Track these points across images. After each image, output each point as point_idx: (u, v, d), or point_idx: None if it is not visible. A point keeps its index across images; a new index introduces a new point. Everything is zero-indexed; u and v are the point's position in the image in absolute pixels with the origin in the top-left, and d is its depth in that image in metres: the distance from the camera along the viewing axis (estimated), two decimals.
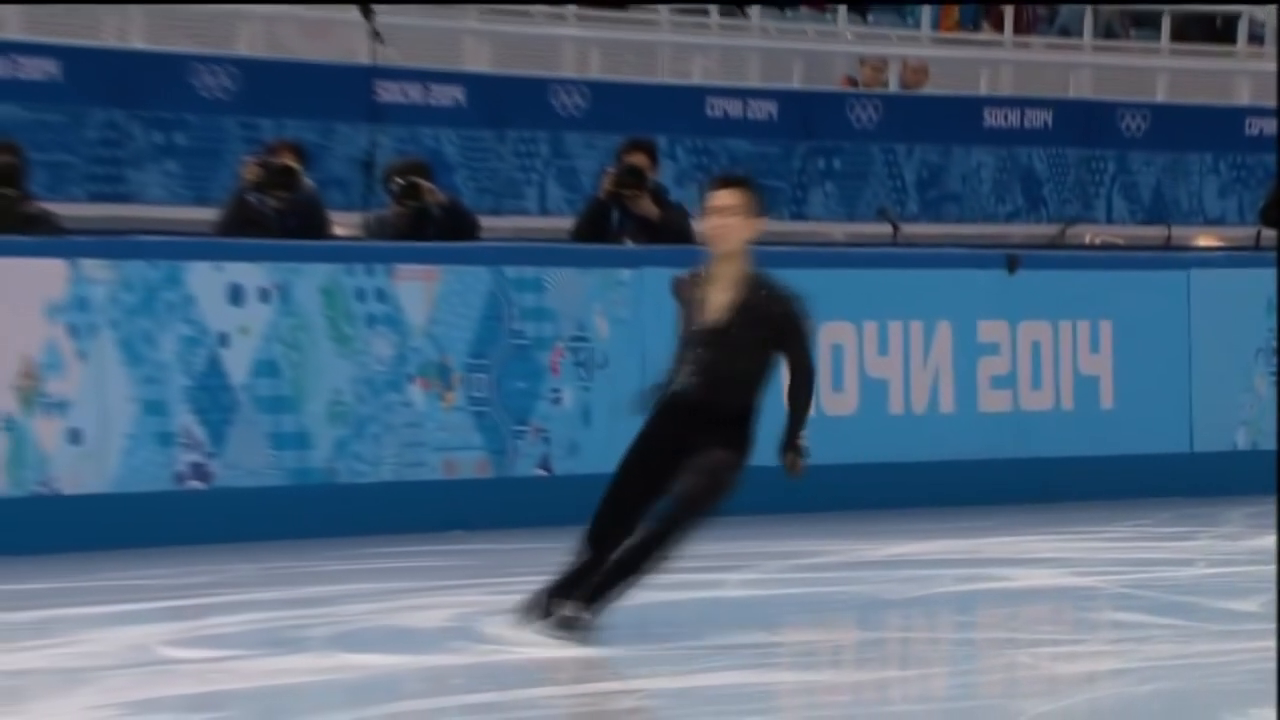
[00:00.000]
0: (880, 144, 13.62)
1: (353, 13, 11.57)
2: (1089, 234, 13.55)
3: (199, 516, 9.36)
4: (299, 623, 7.81)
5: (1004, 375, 11.04)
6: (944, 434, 10.87)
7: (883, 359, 10.78)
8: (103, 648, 7.21)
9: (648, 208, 11.24)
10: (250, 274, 9.51)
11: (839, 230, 13.26)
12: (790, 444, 7.19)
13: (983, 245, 12.59)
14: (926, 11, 14.81)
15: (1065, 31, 15.16)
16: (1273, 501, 10.93)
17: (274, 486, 9.52)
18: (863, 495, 10.52)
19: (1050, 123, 14.05)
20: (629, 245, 11.09)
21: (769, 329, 7.09)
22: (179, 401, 9.34)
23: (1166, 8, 15.20)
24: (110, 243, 9.70)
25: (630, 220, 11.25)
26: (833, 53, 14.15)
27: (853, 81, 14.11)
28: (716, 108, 13.15)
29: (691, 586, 8.52)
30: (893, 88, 14.15)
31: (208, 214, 11.03)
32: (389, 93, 11.86)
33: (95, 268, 9.25)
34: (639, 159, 11.50)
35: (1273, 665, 6.81)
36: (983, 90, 14.18)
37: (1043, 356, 11.16)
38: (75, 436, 9.18)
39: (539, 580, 8.90)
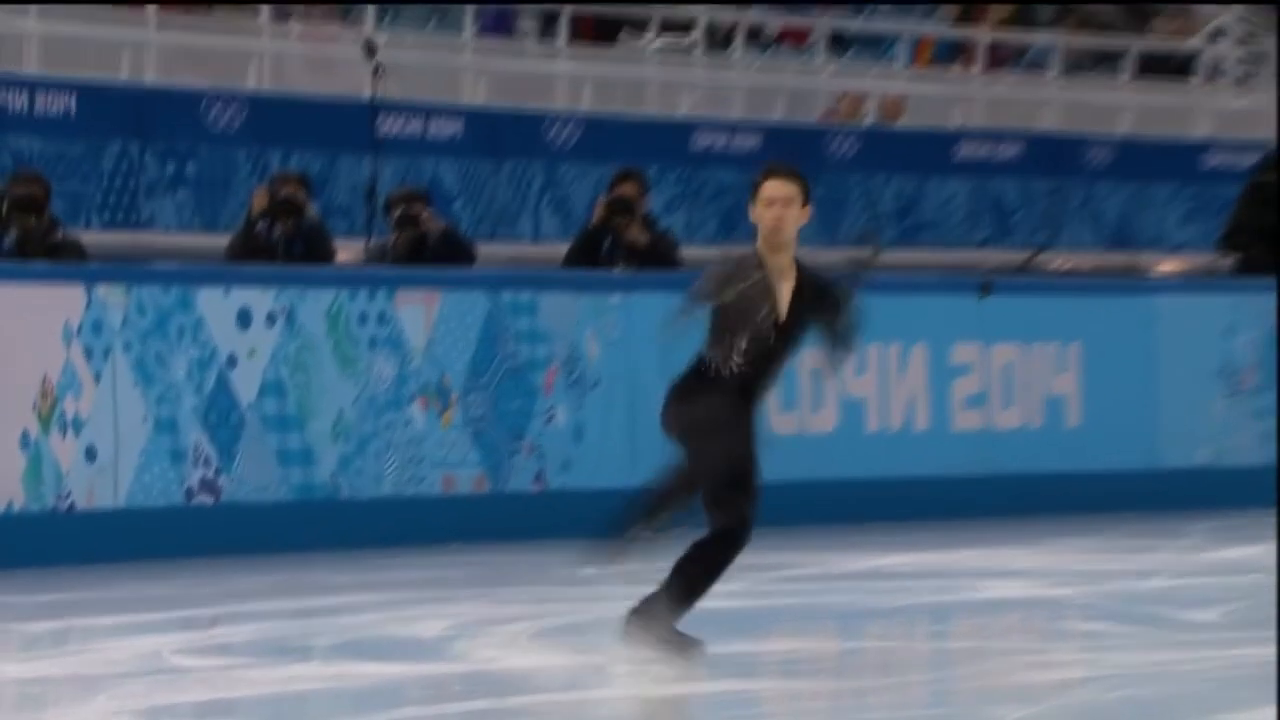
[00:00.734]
0: (858, 174, 13.63)
1: (356, 50, 11.57)
2: (1057, 260, 13.55)
3: (209, 530, 9.34)
4: (305, 632, 7.80)
5: (976, 395, 11.04)
6: (919, 451, 10.87)
7: (861, 379, 10.78)
8: (117, 656, 7.19)
9: (637, 235, 11.24)
10: (258, 298, 9.50)
11: (820, 256, 13.22)
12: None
13: (956, 271, 12.59)
14: (903, 48, 14.82)
15: (1034, 67, 15.18)
16: (1233, 516, 10.94)
17: (280, 501, 9.50)
18: (841, 510, 10.51)
19: (1020, 154, 14.06)
20: (619, 271, 11.09)
21: (820, 315, 6.85)
22: (190, 420, 9.33)
23: (1132, 44, 15.23)
24: (125, 269, 9.69)
25: (621, 247, 11.25)
26: (813, 88, 14.15)
27: (835, 113, 14.12)
28: (702, 140, 13.15)
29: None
30: (870, 121, 14.16)
31: (218, 241, 11.02)
32: (390, 125, 11.85)
33: (111, 292, 9.23)
34: (629, 189, 11.51)
35: (1234, 673, 6.81)
36: (956, 124, 14.19)
37: (1013, 377, 11.16)
38: (91, 454, 9.15)
39: (534, 590, 8.89)
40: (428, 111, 12.31)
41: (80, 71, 11.62)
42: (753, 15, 14.32)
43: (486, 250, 11.65)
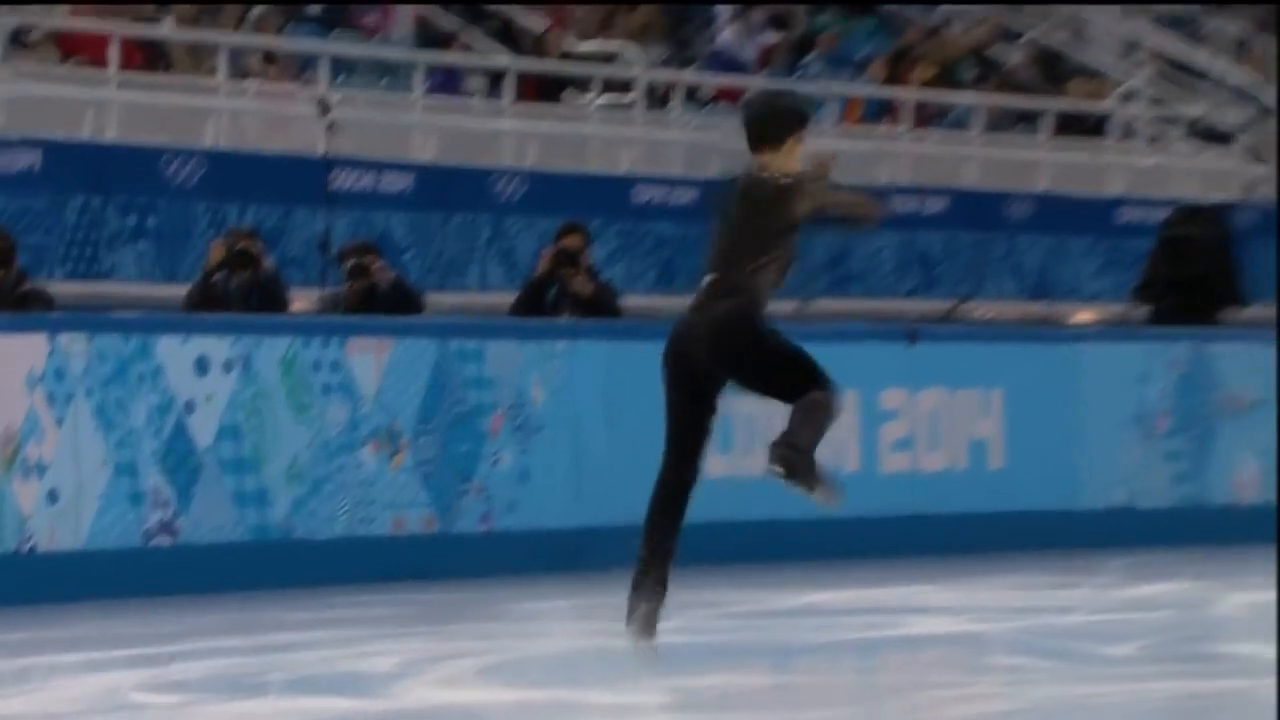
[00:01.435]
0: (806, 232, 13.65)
1: (310, 108, 11.57)
2: (980, 310, 13.62)
3: (167, 570, 9.28)
4: (259, 668, 7.75)
5: (904, 438, 11.07)
6: (849, 492, 10.86)
7: None
8: (78, 693, 7.13)
9: (581, 285, 11.26)
10: (215, 346, 9.46)
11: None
12: None
13: (884, 320, 12.64)
14: (833, 107, 14.89)
15: (958, 126, 15.27)
16: (1147, 554, 10.99)
17: (236, 542, 9.45)
18: (774, 548, 10.51)
19: (945, 209, 14.14)
20: (564, 320, 11.10)
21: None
22: (148, 464, 9.27)
23: (1049, 105, 15.34)
24: (87, 318, 9.64)
25: (565, 297, 11.27)
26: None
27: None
28: (642, 194, 13.19)
29: (612, 634, 8.49)
30: None
31: (177, 291, 10.98)
32: (343, 180, 11.84)
33: (73, 341, 9.18)
34: (573, 241, 11.53)
35: (1147, 705, 6.84)
36: (884, 179, 14.25)
37: (939, 421, 11.19)
38: (53, 496, 9.09)
39: (481, 627, 8.87)
40: (379, 167, 12.31)
41: (45, 129, 11.59)
42: (689, 75, 14.38)
43: (435, 299, 11.65)
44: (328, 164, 11.25)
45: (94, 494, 9.15)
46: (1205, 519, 11.64)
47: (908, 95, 14.95)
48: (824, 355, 11.00)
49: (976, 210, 14.22)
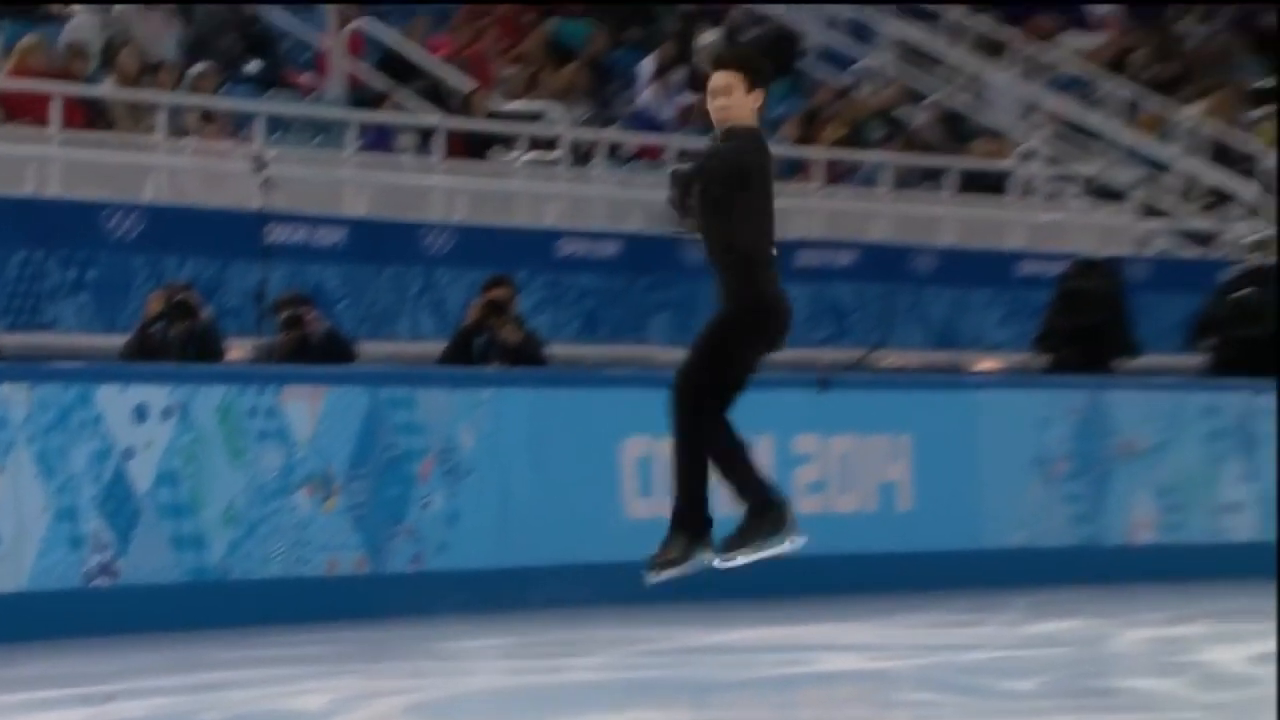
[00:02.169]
0: (708, 278, 13.67)
1: (246, 164, 11.52)
2: (889, 359, 13.68)
3: (106, 611, 9.18)
4: (196, 707, 7.67)
5: (817, 482, 11.09)
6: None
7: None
8: None
9: (508, 335, 11.25)
10: (153, 395, 9.39)
11: (674, 354, 13.28)
12: None
13: (798, 368, 12.68)
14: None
15: (867, 183, 15.36)
16: (1047, 592, 11.04)
17: (174, 583, 9.36)
18: (694, 587, 10.48)
19: (855, 262, 14.20)
20: (492, 368, 11.08)
21: None
22: (89, 508, 9.18)
23: (952, 163, 15.45)
24: (28, 368, 9.55)
25: (493, 346, 11.25)
26: (665, 200, 14.21)
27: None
28: (566, 247, 13.18)
29: (538, 671, 8.47)
30: None
31: (116, 341, 10.89)
32: (278, 234, 11.79)
33: (14, 390, 9.09)
34: (500, 292, 11.53)
35: None
36: (797, 233, 14.31)
37: (850, 465, 11.22)
38: None
39: (411, 665, 8.81)
40: (313, 221, 12.26)
41: None
42: (611, 134, 14.41)
43: (368, 349, 11.60)
44: (263, 218, 11.20)
45: (35, 537, 9.05)
46: (1102, 559, 11.72)
47: (819, 154, 15.03)
48: (740, 401, 11.06)
49: (885, 263, 14.29)
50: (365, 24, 14.15)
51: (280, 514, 9.63)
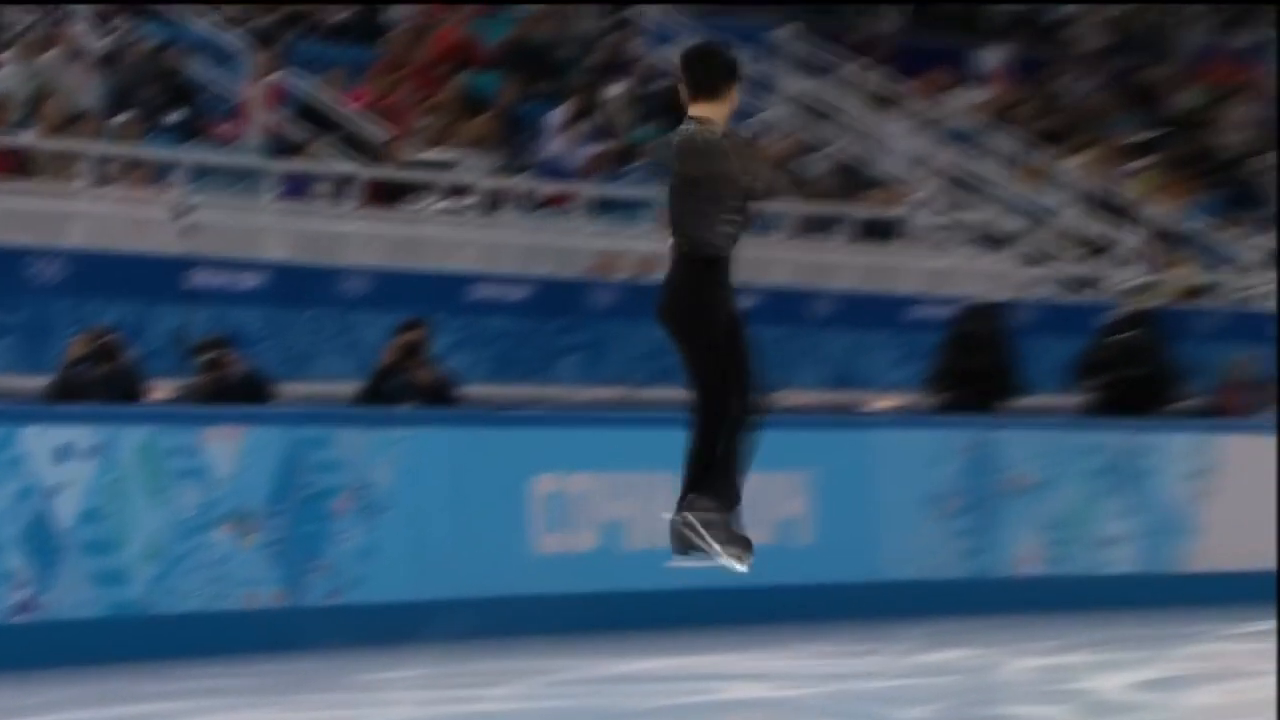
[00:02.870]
0: (617, 321, 13.72)
1: (168, 211, 11.44)
2: (789, 398, 13.73)
3: (29, 646, 9.06)
4: None
5: None
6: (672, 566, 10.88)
7: (620, 502, 10.79)
8: None
9: (423, 376, 11.22)
10: (76, 435, 9.29)
11: (583, 394, 13.31)
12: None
13: None
14: (654, 210, 14.99)
15: (767, 229, 15.43)
16: (939, 623, 11.10)
17: (96, 618, 9.25)
18: (604, 619, 10.50)
19: (757, 305, 14.23)
20: (407, 408, 11.04)
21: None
22: (12, 545, 9.06)
23: (848, 211, 15.56)
24: None
25: (408, 387, 11.22)
26: (576, 246, 14.24)
27: (596, 268, 14.23)
28: (479, 291, 13.17)
29: (452, 701, 8.42)
30: (627, 275, 14.27)
31: (40, 383, 10.77)
32: (200, 279, 11.72)
33: None
34: (415, 335, 11.50)
35: None
36: None
37: (753, 501, 11.22)
38: None
39: (327, 696, 8.74)
40: (234, 266, 12.19)
41: None
42: (522, 182, 14.42)
43: (288, 389, 11.53)
44: (184, 264, 11.13)
45: None
46: (990, 590, 11.80)
47: None
48: (647, 439, 11.07)
49: (784, 307, 14.36)
50: (284, 76, 14.11)
51: (200, 550, 9.54)
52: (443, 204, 13.84)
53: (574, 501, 10.57)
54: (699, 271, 6.09)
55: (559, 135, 15.24)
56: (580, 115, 15.44)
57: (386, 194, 13.76)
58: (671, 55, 17.37)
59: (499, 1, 16.34)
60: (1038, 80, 19.54)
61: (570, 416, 11.73)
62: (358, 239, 13.15)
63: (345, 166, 13.54)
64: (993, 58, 19.78)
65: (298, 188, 13.47)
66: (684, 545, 6.13)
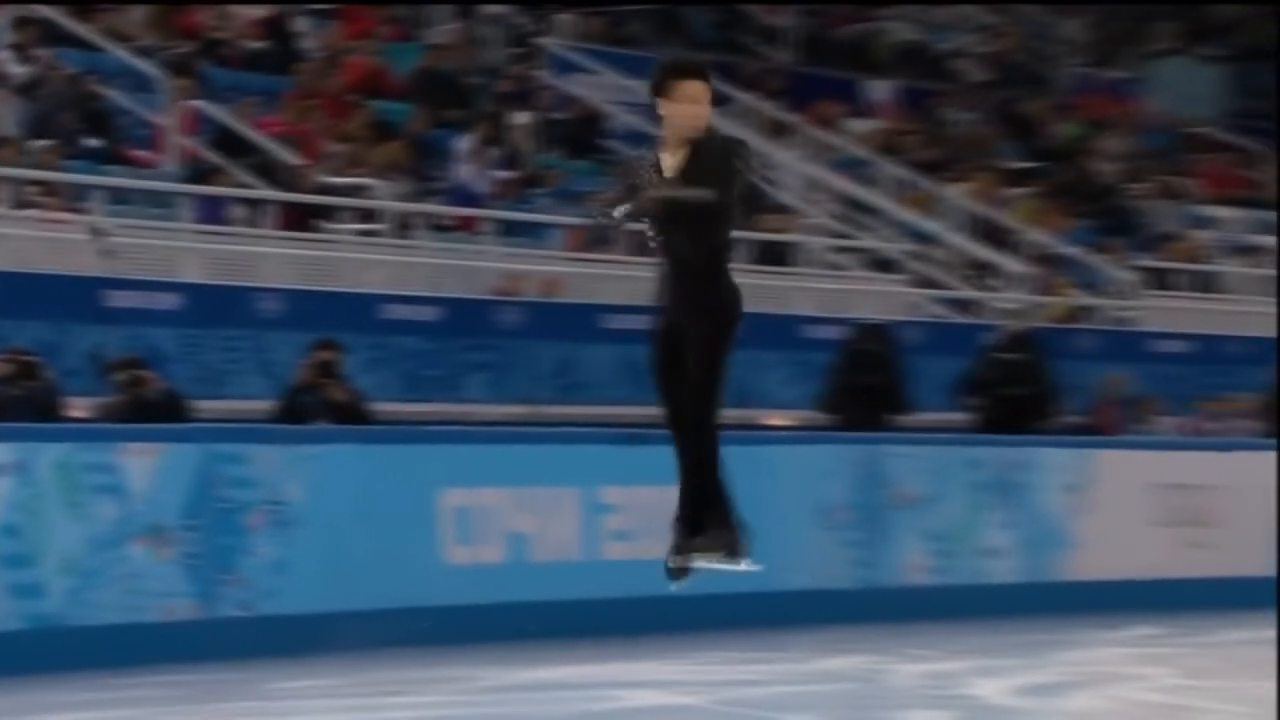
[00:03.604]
0: (521, 341, 13.71)
1: (87, 234, 11.32)
2: None
3: None
4: None
5: (622, 530, 11.10)
6: (574, 578, 10.89)
7: (526, 516, 10.77)
8: None
9: (335, 394, 11.15)
10: None
11: (490, 411, 13.28)
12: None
13: (605, 425, 12.72)
14: (558, 234, 14.99)
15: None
16: (829, 631, 11.14)
17: (14, 631, 9.11)
18: (511, 628, 10.46)
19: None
20: (320, 425, 10.96)
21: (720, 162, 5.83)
22: None
23: (748, 235, 15.62)
24: None
25: (321, 404, 11.15)
26: (484, 267, 14.22)
27: (502, 289, 14.21)
28: (390, 312, 13.11)
29: (361, 710, 8.36)
30: (532, 296, 14.27)
31: None
32: (117, 299, 11.59)
33: None
34: (327, 354, 11.43)
35: None
36: (603, 298, 14.38)
37: (654, 514, 11.23)
38: None
39: (240, 705, 8.65)
40: (150, 287, 12.07)
41: None
42: (431, 206, 14.39)
43: (203, 407, 11.43)
44: (102, 284, 11.01)
45: None
46: (879, 599, 11.86)
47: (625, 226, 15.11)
48: (551, 455, 11.06)
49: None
50: (200, 104, 14.01)
51: (116, 564, 9.43)
52: (354, 227, 13.78)
53: (481, 515, 10.53)
54: (711, 282, 6.08)
55: (467, 161, 15.23)
56: (487, 142, 15.43)
57: (299, 218, 13.69)
58: (574, 85, 17.40)
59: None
60: (924, 111, 19.72)
61: (478, 433, 11.69)
62: (272, 261, 13.07)
63: (259, 191, 13.45)
64: (881, 89, 19.96)
65: (213, 211, 13.37)
66: (684, 575, 6.03)
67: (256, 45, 15.77)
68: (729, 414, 14.90)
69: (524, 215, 15.01)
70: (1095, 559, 12.62)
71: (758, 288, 15.33)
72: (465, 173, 15.17)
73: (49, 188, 12.52)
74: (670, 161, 5.99)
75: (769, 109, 18.02)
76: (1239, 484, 13.26)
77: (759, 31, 20.34)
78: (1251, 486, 13.30)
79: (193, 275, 12.61)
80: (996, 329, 14.71)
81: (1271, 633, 9.83)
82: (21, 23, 14.11)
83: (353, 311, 12.86)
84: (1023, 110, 20.50)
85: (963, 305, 16.44)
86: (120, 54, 14.31)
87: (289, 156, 14.05)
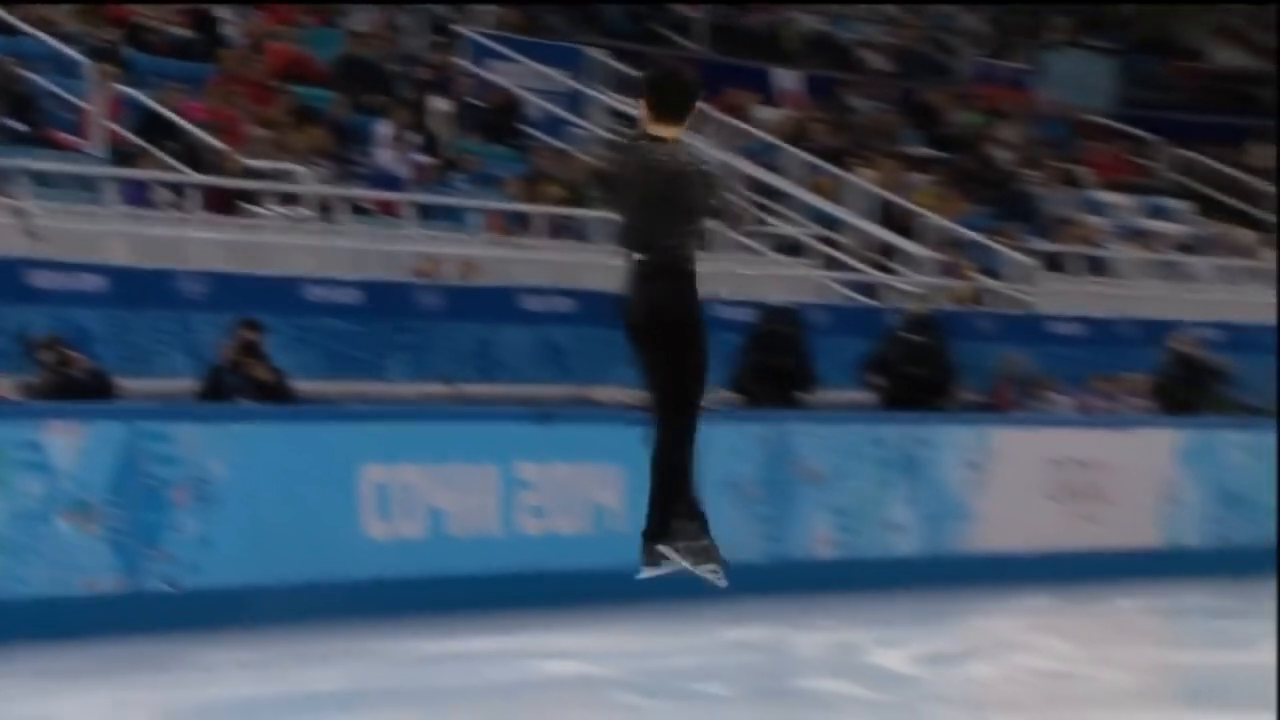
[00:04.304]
0: (441, 322, 13.63)
1: (12, 217, 11.14)
2: (602, 394, 13.75)
3: None
4: None
5: (538, 506, 11.10)
6: (492, 552, 10.87)
7: (446, 492, 10.73)
8: None
9: (259, 374, 11.05)
10: None
11: (410, 390, 13.20)
12: None
13: (522, 404, 12.69)
14: (478, 218, 14.92)
15: (584, 237, 15.43)
16: (738, 603, 11.17)
17: None
18: (430, 601, 10.43)
19: (574, 307, 14.25)
20: (243, 403, 10.86)
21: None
22: None
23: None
24: None
25: (244, 383, 11.04)
26: (404, 250, 14.13)
27: (422, 271, 14.13)
28: (312, 293, 13.00)
29: (282, 681, 8.31)
30: (452, 278, 14.19)
31: None
32: (42, 280, 11.42)
33: None
34: (251, 334, 11.32)
35: None
36: (521, 280, 14.33)
37: (568, 490, 11.24)
38: None
39: (165, 676, 8.58)
40: (76, 268, 11.90)
41: None
42: (353, 190, 14.28)
43: (128, 385, 11.29)
44: (27, 265, 10.84)
45: None
46: (787, 572, 11.92)
47: (541, 210, 15.07)
48: (470, 433, 11.03)
49: (602, 309, 14.33)
50: (124, 89, 13.82)
51: (42, 539, 9.31)
52: (278, 211, 13.64)
53: (401, 491, 10.48)
54: (679, 283, 5.96)
55: (387, 147, 15.12)
56: (408, 128, 15.33)
57: (223, 201, 13.54)
58: (493, 73, 17.30)
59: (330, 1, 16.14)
60: (830, 99, 19.78)
61: (398, 411, 11.63)
62: (196, 244, 12.91)
63: (184, 175, 13.29)
64: (789, 79, 20.00)
65: (138, 195, 13.20)
66: (657, 563, 5.99)
67: (181, 32, 15.59)
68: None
69: (443, 199, 14.92)
70: (993, 532, 12.73)
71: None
72: (386, 158, 15.06)
73: None
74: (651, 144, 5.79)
75: None
76: (1130, 460, 13.42)
77: (672, 22, 20.32)
78: (1141, 463, 13.47)
79: (118, 257, 12.45)
80: (900, 311, 14.78)
81: (1161, 602, 9.95)
82: None
83: (276, 293, 12.74)
84: (925, 99, 20.60)
85: (868, 288, 16.50)
86: (45, 39, 14.10)
87: (213, 141, 13.89)
